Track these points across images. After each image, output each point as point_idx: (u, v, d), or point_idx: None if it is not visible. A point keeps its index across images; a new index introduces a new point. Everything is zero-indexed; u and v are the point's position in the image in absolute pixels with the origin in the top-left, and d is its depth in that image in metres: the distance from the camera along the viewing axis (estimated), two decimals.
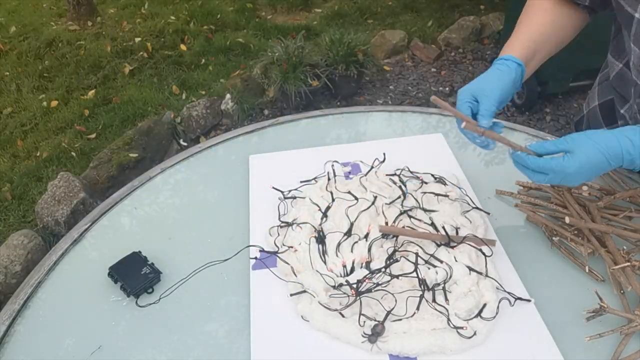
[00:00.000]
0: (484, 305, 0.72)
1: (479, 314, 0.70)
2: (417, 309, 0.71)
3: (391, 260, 0.77)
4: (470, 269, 0.76)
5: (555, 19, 0.87)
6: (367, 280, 0.74)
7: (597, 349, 0.69)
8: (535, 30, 0.85)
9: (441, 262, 0.77)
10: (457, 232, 0.83)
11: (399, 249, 0.79)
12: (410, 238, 0.81)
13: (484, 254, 0.79)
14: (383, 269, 0.75)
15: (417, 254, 0.76)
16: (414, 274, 0.74)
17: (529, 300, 0.74)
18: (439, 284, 0.74)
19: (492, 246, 0.81)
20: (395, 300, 0.72)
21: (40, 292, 0.81)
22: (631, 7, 0.77)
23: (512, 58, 0.81)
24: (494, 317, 0.71)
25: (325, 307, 0.71)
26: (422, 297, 0.72)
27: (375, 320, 0.70)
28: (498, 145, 1.09)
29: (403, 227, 0.82)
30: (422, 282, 0.74)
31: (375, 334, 0.68)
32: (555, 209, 0.86)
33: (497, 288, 0.75)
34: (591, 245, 0.79)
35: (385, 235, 0.81)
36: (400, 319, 0.70)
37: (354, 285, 0.73)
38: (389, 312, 0.70)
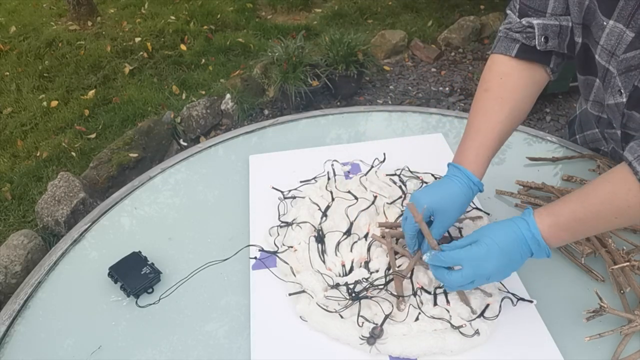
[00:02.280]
0: (487, 306, 0.71)
1: (481, 314, 0.70)
2: (417, 318, 0.71)
3: (390, 269, 0.77)
4: None
5: (513, 106, 0.78)
6: (368, 291, 0.73)
7: (597, 349, 0.69)
8: (494, 133, 0.77)
9: None
10: (460, 233, 0.83)
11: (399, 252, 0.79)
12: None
13: None
14: (383, 288, 0.74)
15: (413, 269, 0.76)
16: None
17: (531, 301, 0.74)
18: (440, 286, 0.74)
19: None
20: (392, 306, 0.72)
21: (40, 292, 0.81)
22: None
23: (477, 183, 0.75)
24: (497, 316, 0.71)
25: (323, 308, 0.71)
26: (419, 309, 0.72)
27: (373, 322, 0.70)
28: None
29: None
30: (417, 291, 0.74)
31: (373, 337, 0.68)
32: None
33: (499, 288, 0.75)
34: (591, 245, 0.79)
35: (385, 236, 0.81)
36: (400, 321, 0.70)
37: (351, 287, 0.73)
38: (387, 317, 0.70)
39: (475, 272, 0.65)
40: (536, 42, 0.78)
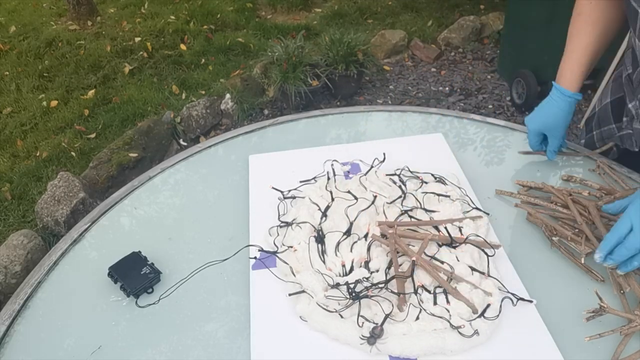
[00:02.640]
0: (488, 306, 0.71)
1: (482, 314, 0.70)
2: (417, 317, 0.71)
3: (390, 268, 0.77)
4: (473, 269, 0.76)
5: (605, 27, 0.89)
6: (368, 290, 0.73)
7: (597, 349, 0.69)
8: (586, 52, 0.90)
9: (442, 262, 0.77)
10: (460, 232, 0.82)
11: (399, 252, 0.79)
12: (411, 240, 0.81)
13: (486, 254, 0.79)
14: (384, 286, 0.74)
15: (413, 261, 0.76)
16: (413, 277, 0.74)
17: (530, 301, 0.74)
18: (440, 286, 0.74)
19: (497, 249, 0.81)
20: (392, 306, 0.72)
21: (40, 292, 0.81)
22: (636, 3, 0.77)
23: (573, 95, 0.91)
24: (497, 316, 0.71)
25: (323, 307, 0.71)
26: (420, 307, 0.72)
27: (373, 322, 0.70)
28: (497, 144, 1.09)
29: (405, 229, 0.82)
30: (418, 289, 0.74)
31: (373, 336, 0.68)
32: (555, 208, 0.86)
33: (499, 288, 0.75)
34: (591, 245, 0.79)
35: (384, 236, 0.81)
36: (400, 321, 0.70)
37: (352, 286, 0.73)
38: (387, 316, 0.70)
39: None
40: None
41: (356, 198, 0.89)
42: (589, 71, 0.92)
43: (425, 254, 0.78)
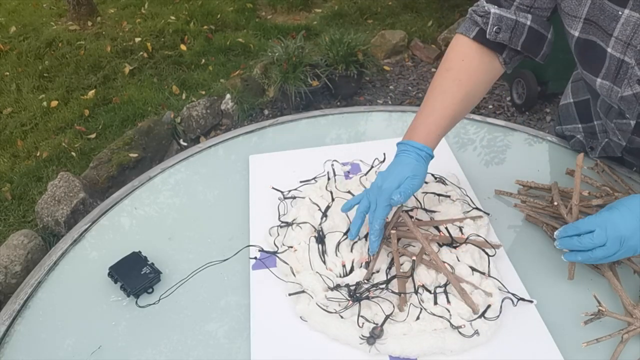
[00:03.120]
0: (488, 306, 0.71)
1: (482, 315, 0.70)
2: (418, 317, 0.71)
3: (391, 268, 0.77)
4: (473, 269, 0.76)
5: (470, 90, 0.80)
6: (370, 292, 0.73)
7: (597, 349, 0.69)
8: (447, 114, 0.79)
9: (442, 263, 0.77)
10: (461, 231, 0.82)
11: (400, 251, 0.79)
12: (412, 240, 0.81)
13: (487, 254, 0.79)
14: (384, 287, 0.74)
15: (414, 261, 0.76)
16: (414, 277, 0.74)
17: (531, 301, 0.74)
18: (440, 286, 0.74)
19: (497, 249, 0.81)
20: (394, 307, 0.72)
21: (40, 292, 0.81)
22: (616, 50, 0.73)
23: (418, 145, 0.77)
24: (498, 316, 0.71)
25: (322, 308, 0.71)
26: (421, 307, 0.72)
27: (373, 322, 0.70)
28: (497, 144, 1.09)
29: (405, 229, 0.82)
30: (418, 288, 0.74)
31: (373, 337, 0.68)
32: (553, 209, 0.86)
33: (500, 288, 0.75)
34: None
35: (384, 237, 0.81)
36: (400, 321, 0.70)
37: (352, 288, 0.73)
38: (387, 317, 0.70)
39: (608, 233, 0.66)
40: (487, 31, 0.79)
41: None
42: (444, 135, 0.80)
43: (425, 254, 0.78)
